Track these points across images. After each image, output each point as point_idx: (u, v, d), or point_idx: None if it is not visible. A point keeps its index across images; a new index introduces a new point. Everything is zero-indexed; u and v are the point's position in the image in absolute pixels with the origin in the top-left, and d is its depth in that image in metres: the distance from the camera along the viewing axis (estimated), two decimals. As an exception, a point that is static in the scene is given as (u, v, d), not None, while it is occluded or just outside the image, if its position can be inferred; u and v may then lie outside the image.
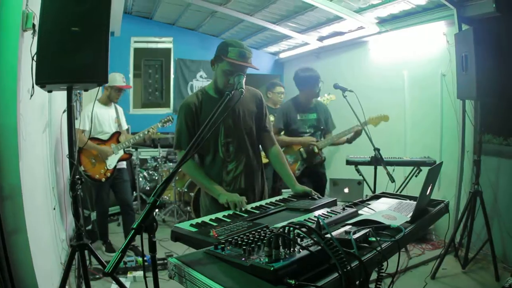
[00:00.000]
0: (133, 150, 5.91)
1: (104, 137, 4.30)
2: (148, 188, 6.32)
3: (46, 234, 3.12)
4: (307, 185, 3.92)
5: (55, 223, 3.45)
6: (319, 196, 2.31)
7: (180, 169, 2.32)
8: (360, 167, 4.09)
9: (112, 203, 5.01)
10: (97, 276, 3.61)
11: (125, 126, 4.60)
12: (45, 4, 2.21)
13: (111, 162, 4.27)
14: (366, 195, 2.30)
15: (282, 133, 4.07)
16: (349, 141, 4.04)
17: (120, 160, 4.36)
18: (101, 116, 4.29)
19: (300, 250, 1.20)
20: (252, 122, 2.49)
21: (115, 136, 4.36)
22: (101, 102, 4.37)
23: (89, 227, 4.84)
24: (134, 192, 5.99)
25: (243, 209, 2.07)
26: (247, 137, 2.47)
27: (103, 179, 4.23)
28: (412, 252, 4.25)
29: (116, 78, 4.31)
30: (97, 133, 4.26)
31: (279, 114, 4.10)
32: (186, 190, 5.65)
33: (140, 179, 6.22)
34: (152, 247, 1.29)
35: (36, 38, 2.31)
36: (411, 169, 4.12)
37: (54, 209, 3.47)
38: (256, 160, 2.54)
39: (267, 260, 1.13)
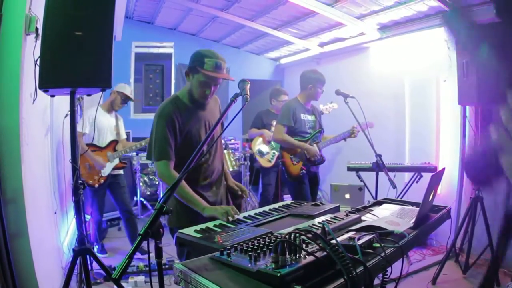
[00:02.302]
0: (134, 154, 5.92)
1: (101, 144, 4.34)
2: (148, 193, 6.31)
3: (47, 238, 3.12)
4: (308, 186, 3.98)
5: (56, 227, 3.44)
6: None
7: (163, 180, 2.32)
8: (361, 173, 4.10)
9: (113, 207, 4.99)
10: (98, 281, 3.59)
11: (124, 135, 4.65)
12: (48, 8, 2.22)
13: (106, 169, 4.31)
14: (368, 201, 2.30)
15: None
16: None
17: (115, 168, 4.39)
18: (101, 124, 4.31)
19: (306, 256, 1.20)
20: (219, 130, 2.52)
21: (112, 145, 4.40)
22: (103, 108, 4.39)
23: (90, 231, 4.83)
24: (135, 197, 5.98)
25: (235, 217, 2.00)
26: (219, 144, 2.55)
27: (97, 185, 4.26)
28: (413, 257, 4.24)
29: (126, 87, 4.43)
30: (94, 140, 4.24)
31: (286, 111, 4.00)
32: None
33: (141, 184, 6.20)
34: (158, 253, 1.29)
35: (39, 42, 2.31)
36: (411, 175, 4.12)
37: (56, 213, 3.47)
38: (223, 166, 2.61)
39: (273, 266, 1.13)
